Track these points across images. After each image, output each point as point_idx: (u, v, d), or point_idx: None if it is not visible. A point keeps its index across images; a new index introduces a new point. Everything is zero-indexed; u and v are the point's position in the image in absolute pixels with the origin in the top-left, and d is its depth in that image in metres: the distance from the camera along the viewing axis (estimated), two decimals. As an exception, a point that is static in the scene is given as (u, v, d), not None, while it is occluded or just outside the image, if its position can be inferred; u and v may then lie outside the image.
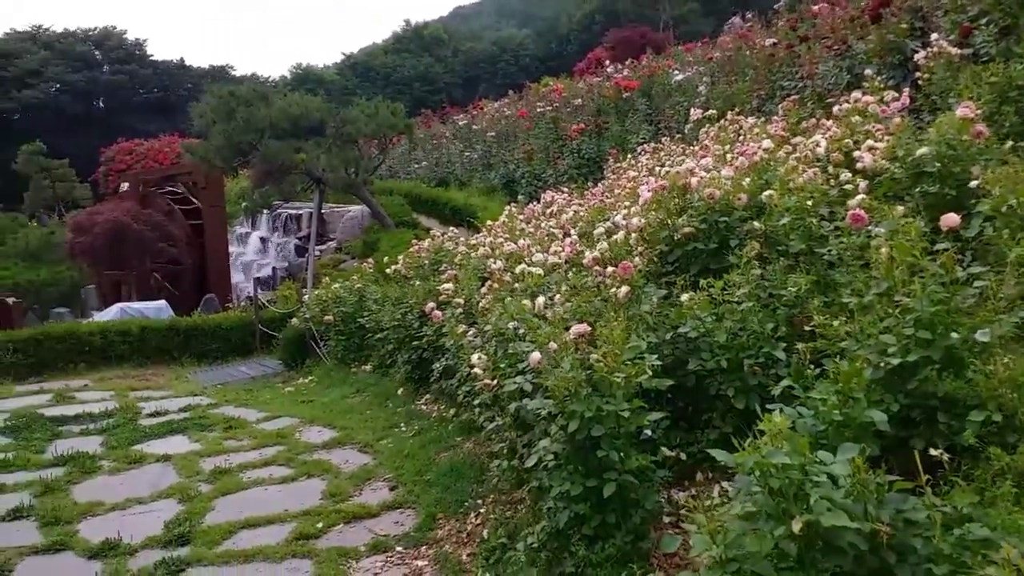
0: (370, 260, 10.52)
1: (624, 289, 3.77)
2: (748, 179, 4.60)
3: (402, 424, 6.54)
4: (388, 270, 8.94)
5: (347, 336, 9.13)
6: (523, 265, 5.19)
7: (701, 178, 4.54)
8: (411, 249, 8.85)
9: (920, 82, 5.84)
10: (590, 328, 3.13)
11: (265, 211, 18.80)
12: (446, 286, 6.15)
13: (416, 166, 21.22)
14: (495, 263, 5.72)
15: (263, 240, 20.45)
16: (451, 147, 20.04)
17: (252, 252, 20.65)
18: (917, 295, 2.80)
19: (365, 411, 7.26)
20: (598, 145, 13.29)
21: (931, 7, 6.95)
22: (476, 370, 4.17)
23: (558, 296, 4.21)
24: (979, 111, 4.23)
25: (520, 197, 12.84)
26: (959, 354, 2.78)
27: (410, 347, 7.17)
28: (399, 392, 7.38)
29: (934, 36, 5.97)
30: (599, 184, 9.92)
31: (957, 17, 6.53)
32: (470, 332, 4.94)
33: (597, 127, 13.94)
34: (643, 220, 4.55)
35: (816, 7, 11.14)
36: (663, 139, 10.38)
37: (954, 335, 2.78)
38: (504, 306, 4.43)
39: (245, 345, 11.70)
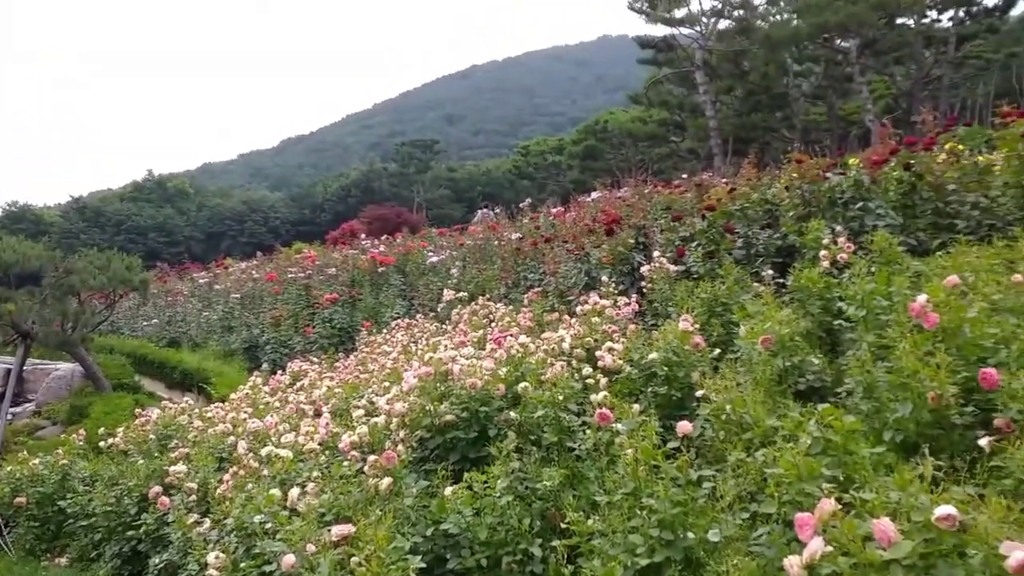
0: (82, 432, 9.20)
1: (387, 481, 3.65)
2: (505, 369, 4.83)
3: (104, 632, 5.53)
4: (103, 443, 7.86)
5: (41, 522, 7.70)
6: (271, 447, 4.87)
7: (463, 366, 4.69)
8: (136, 420, 7.92)
9: (645, 290, 6.71)
10: (354, 529, 2.96)
11: (-53, 363, 15.91)
12: (177, 468, 5.54)
13: (145, 323, 19.56)
14: (239, 443, 5.30)
15: (-63, 397, 17.14)
16: (188, 305, 18.88)
17: (-81, 411, 17.15)
18: (660, 496, 3.05)
19: (55, 616, 6.06)
20: (351, 316, 13.28)
21: (651, 225, 8.15)
22: (212, 571, 3.71)
23: (311, 485, 3.96)
24: (696, 324, 4.90)
25: (264, 365, 12.24)
26: (696, 553, 3.03)
27: (123, 537, 6.22)
28: (103, 591, 6.29)
29: (656, 253, 6.98)
30: (351, 356, 9.82)
31: (672, 236, 7.71)
32: (204, 524, 4.43)
33: (351, 297, 13.99)
34: (406, 405, 4.54)
35: (554, 211, 12.54)
36: (417, 315, 10.67)
37: (691, 535, 3.04)
38: (249, 496, 4.07)
39: None
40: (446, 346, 5.84)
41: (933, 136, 8.32)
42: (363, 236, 20.82)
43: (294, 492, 3.75)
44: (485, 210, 23.93)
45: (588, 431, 4.02)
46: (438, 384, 4.66)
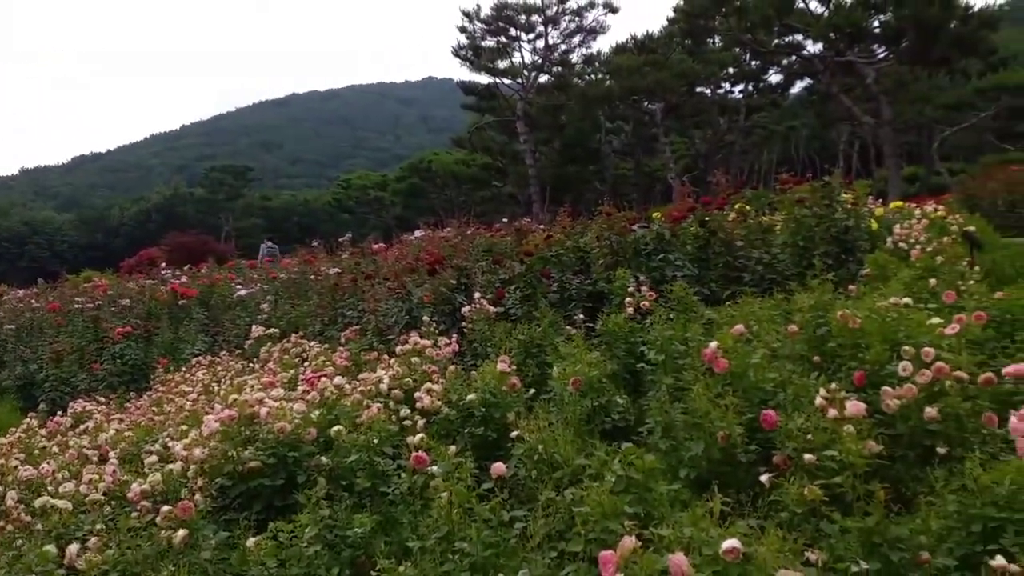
0: None
1: (181, 533, 3.37)
2: (318, 412, 4.66)
3: None
4: None
5: None
6: (46, 497, 4.34)
7: (271, 409, 4.46)
8: None
9: (465, 330, 6.79)
10: (141, 589, 2.69)
11: None
12: (-75, 524, 4.78)
13: None
14: (8, 494, 4.68)
15: None
16: (-50, 336, 16.57)
17: None
18: (473, 540, 3.06)
19: None
20: (146, 352, 12.23)
21: (473, 267, 8.30)
22: (-37, 646, 3.22)
23: (94, 540, 3.57)
24: (513, 365, 5.02)
25: (41, 405, 10.94)
26: (506, 596, 3.05)
27: None
28: None
29: (477, 294, 7.10)
30: (145, 396, 9.05)
31: (492, 279, 7.90)
32: (-43, 589, 3.85)
33: (147, 332, 12.91)
34: (206, 451, 4.24)
35: (376, 247, 12.42)
36: (222, 352, 10.05)
37: (501, 577, 3.06)
38: (18, 554, 3.60)
39: None
40: (253, 386, 5.54)
41: (725, 197, 9.20)
42: (163, 265, 19.36)
43: (73, 548, 3.36)
44: (268, 244, 23.16)
45: (404, 475, 3.97)
46: (243, 428, 4.40)
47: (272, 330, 9.62)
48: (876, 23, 29.70)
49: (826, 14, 29.96)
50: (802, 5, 30.79)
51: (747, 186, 11.82)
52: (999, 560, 2.34)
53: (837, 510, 2.97)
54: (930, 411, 3.52)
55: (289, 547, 3.46)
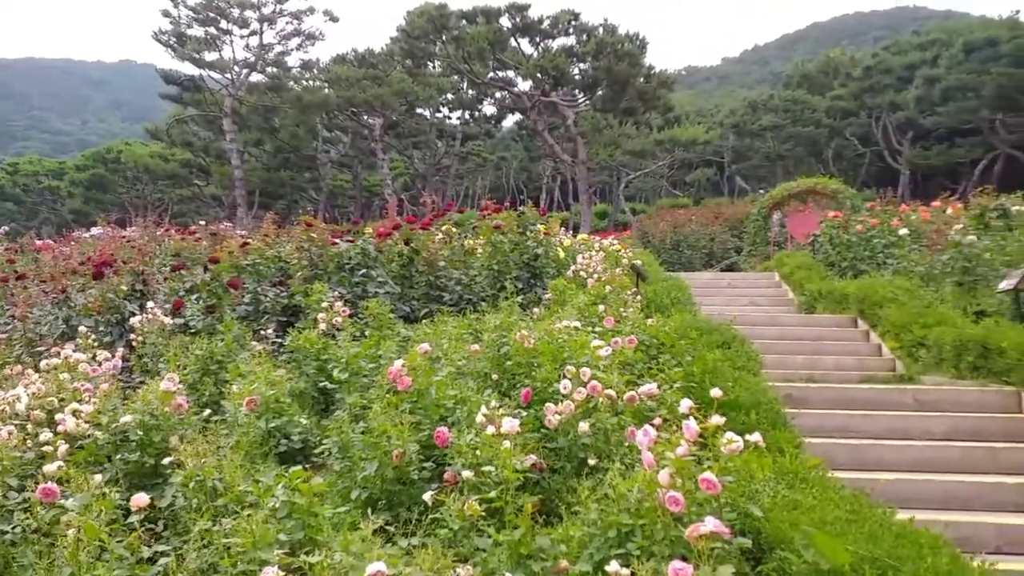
0: None
1: None
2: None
3: None
4: None
5: None
6: None
7: None
8: None
9: (135, 344, 6.09)
10: None
11: None
12: None
13: None
14: None
15: None
16: None
17: None
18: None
19: None
20: None
21: (154, 272, 7.50)
22: None
23: None
24: (184, 381, 4.59)
25: None
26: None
27: None
28: None
29: (151, 303, 6.40)
30: None
31: (176, 286, 7.19)
32: None
33: None
34: None
35: (40, 243, 10.81)
36: None
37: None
38: None
39: None
40: None
41: (431, 217, 9.42)
42: None
43: None
44: None
45: (31, 510, 3.40)
46: None
47: None
48: (577, 71, 32.77)
49: (535, 55, 32.38)
50: (515, 44, 32.96)
51: (455, 209, 12.24)
52: (613, 566, 2.53)
53: (495, 524, 3.09)
54: (583, 426, 3.83)
55: None
